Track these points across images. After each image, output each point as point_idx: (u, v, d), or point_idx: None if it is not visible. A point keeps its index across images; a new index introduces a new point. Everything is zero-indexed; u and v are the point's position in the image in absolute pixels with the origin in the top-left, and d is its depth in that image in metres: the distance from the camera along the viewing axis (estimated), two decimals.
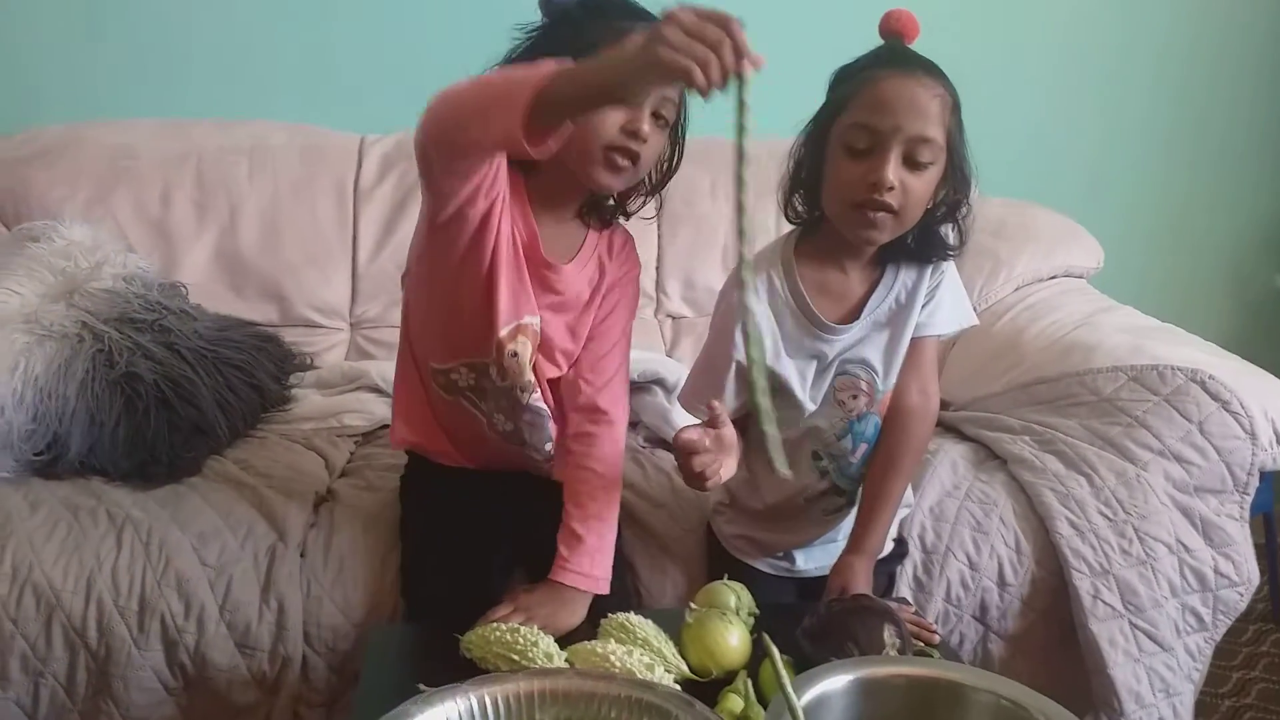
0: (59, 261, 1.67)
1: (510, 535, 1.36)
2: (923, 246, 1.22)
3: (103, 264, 1.69)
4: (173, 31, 2.09)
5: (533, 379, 1.27)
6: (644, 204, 1.33)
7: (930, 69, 1.15)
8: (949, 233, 1.24)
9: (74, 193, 1.94)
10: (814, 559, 1.36)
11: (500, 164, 1.13)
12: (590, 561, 1.23)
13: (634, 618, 1.08)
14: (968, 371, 1.96)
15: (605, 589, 1.24)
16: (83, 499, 1.43)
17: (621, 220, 1.34)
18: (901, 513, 1.40)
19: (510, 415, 1.31)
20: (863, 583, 1.21)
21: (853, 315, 1.24)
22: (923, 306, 1.26)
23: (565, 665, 1.04)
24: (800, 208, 1.24)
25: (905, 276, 1.25)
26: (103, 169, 1.96)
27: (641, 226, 1.40)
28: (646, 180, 1.28)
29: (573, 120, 1.00)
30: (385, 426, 1.78)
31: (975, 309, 2.01)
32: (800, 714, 0.79)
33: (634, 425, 1.73)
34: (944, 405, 1.88)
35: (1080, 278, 2.14)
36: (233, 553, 1.37)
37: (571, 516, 1.26)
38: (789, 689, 0.80)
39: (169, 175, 1.98)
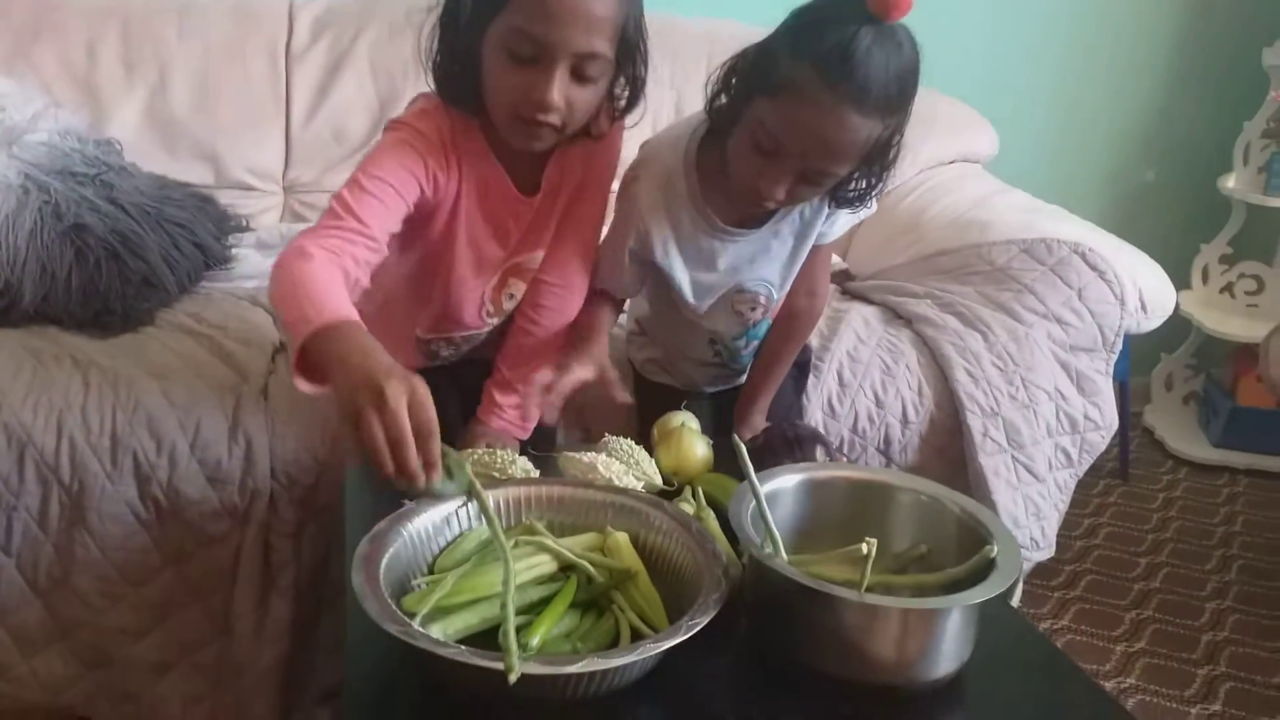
0: None
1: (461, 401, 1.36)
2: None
3: (38, 116, 1.67)
4: None
5: None
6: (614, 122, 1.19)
7: (864, 97, 1.02)
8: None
9: None
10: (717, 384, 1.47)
11: (435, 181, 1.11)
12: (518, 413, 1.28)
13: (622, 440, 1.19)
14: (873, 247, 2.12)
15: (527, 434, 1.29)
16: (43, 344, 1.47)
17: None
18: None
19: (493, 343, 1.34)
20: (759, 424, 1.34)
21: (755, 221, 1.22)
22: (826, 216, 1.25)
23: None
24: (722, 104, 1.15)
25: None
26: (23, 21, 1.91)
27: None
28: (607, 108, 1.14)
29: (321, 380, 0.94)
30: None
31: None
32: (762, 496, 0.93)
33: None
34: (850, 277, 2.06)
35: (977, 163, 2.32)
36: (199, 393, 1.43)
37: (508, 370, 1.29)
38: (753, 476, 0.95)
39: (94, 31, 1.94)
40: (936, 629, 0.86)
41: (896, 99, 1.04)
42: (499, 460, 1.14)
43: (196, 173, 1.97)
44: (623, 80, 1.13)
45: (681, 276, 1.27)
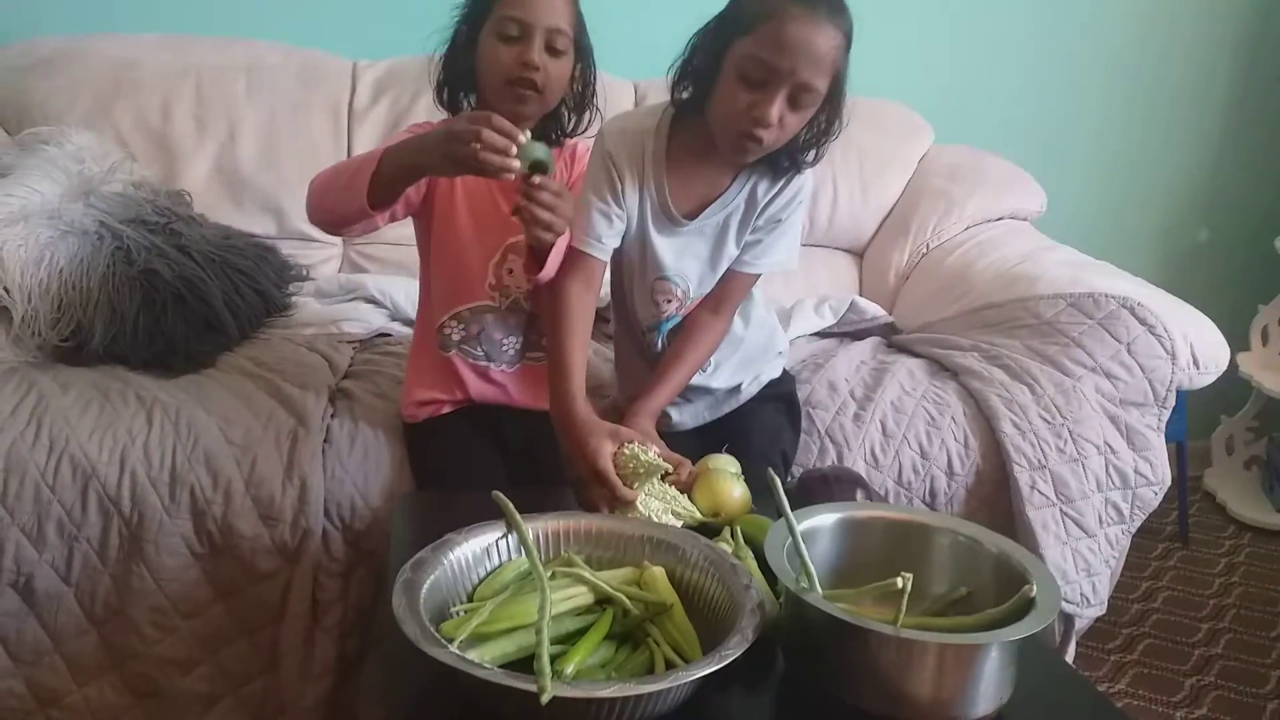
0: (72, 165, 1.74)
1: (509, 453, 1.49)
2: (785, 159, 1.29)
3: (114, 169, 1.76)
4: None
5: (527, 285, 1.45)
6: (583, 122, 1.50)
7: (833, 10, 1.18)
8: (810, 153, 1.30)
9: (75, 102, 1.99)
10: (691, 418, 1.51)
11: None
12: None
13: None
14: (919, 300, 2.13)
15: None
16: (111, 382, 1.53)
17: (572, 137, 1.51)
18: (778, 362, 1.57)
19: (502, 347, 1.49)
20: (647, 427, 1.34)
21: (696, 214, 1.34)
22: (752, 244, 1.36)
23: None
24: (684, 95, 1.28)
25: (742, 198, 1.33)
26: (104, 81, 2.02)
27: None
28: (566, 103, 1.46)
29: (397, 191, 1.31)
30: (382, 335, 1.90)
31: (927, 245, 2.21)
32: (798, 532, 0.94)
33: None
34: (896, 330, 2.06)
35: (1025, 220, 2.32)
36: (256, 434, 1.48)
37: None
38: (790, 514, 0.95)
39: (169, 89, 2.04)
40: (974, 666, 0.85)
41: (844, 10, 1.20)
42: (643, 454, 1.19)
43: (260, 224, 2.05)
44: (579, 72, 1.44)
45: (634, 227, 1.35)
